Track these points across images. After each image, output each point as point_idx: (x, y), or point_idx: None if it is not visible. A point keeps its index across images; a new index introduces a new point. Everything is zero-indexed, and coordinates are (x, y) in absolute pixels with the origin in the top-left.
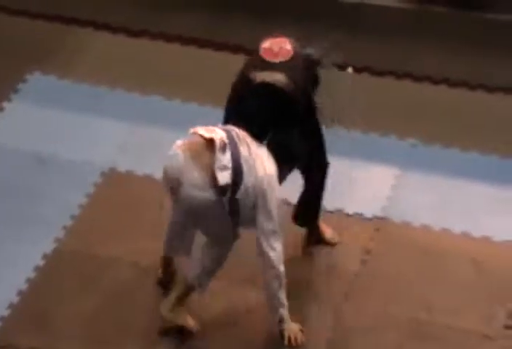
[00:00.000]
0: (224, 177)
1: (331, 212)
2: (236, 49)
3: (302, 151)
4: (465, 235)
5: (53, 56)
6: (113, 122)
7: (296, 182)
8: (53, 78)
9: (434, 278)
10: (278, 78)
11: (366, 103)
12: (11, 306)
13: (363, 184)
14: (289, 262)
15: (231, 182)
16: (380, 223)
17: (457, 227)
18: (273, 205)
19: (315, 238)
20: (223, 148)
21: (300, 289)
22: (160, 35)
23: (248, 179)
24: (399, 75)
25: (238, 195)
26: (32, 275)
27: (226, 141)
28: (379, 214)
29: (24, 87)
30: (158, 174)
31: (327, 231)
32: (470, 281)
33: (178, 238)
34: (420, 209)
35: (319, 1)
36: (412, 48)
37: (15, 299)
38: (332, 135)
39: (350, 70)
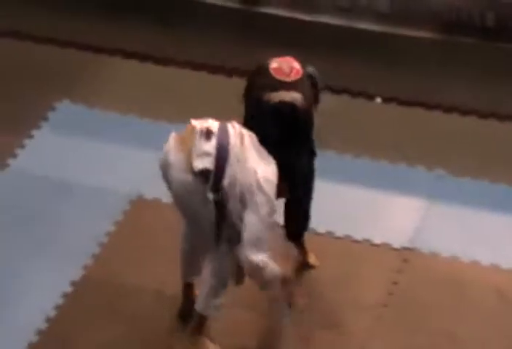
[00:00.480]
0: (200, 163)
1: (358, 242)
2: None
3: (304, 169)
4: (494, 267)
5: (82, 84)
6: (141, 150)
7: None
8: (82, 106)
9: (461, 310)
10: (295, 96)
11: (394, 133)
12: (39, 332)
13: (391, 214)
14: (312, 294)
15: (214, 168)
16: (407, 254)
17: (485, 259)
18: (263, 210)
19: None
20: (207, 135)
21: (326, 321)
22: (187, 63)
23: (234, 169)
24: (428, 106)
25: (224, 183)
26: (60, 301)
27: (214, 130)
28: (406, 244)
29: (53, 115)
30: None
31: (311, 254)
32: (496, 313)
33: (190, 258)
34: (448, 240)
35: (347, 31)
36: (442, 79)
37: (43, 325)
38: (359, 166)
39: (378, 100)
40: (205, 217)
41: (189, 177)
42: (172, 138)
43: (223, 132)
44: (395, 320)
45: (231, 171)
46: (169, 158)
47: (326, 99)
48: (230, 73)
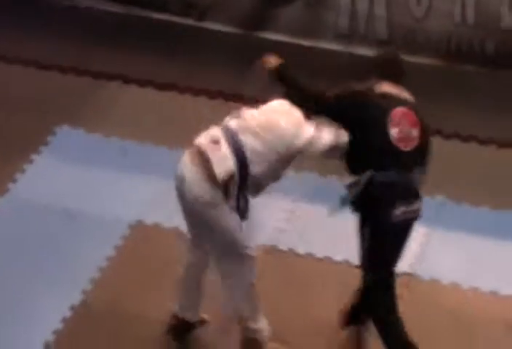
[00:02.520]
0: (223, 167)
1: (356, 267)
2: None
3: None
4: (494, 294)
5: (82, 109)
6: (142, 176)
7: None
8: (82, 131)
9: (461, 337)
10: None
11: None
12: None
13: None
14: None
15: (237, 169)
16: (408, 280)
17: (486, 286)
18: None
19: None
20: (215, 142)
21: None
22: (187, 89)
23: (256, 153)
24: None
25: (253, 172)
26: (59, 326)
27: (218, 134)
28: (407, 270)
29: (53, 140)
30: (185, 227)
31: None
32: (498, 340)
33: (190, 287)
34: (448, 266)
35: (347, 57)
36: (442, 105)
37: None
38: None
39: None
40: (223, 224)
41: (204, 187)
42: (187, 153)
43: (227, 131)
44: None
45: (255, 158)
46: (184, 172)
47: None
48: (228, 98)
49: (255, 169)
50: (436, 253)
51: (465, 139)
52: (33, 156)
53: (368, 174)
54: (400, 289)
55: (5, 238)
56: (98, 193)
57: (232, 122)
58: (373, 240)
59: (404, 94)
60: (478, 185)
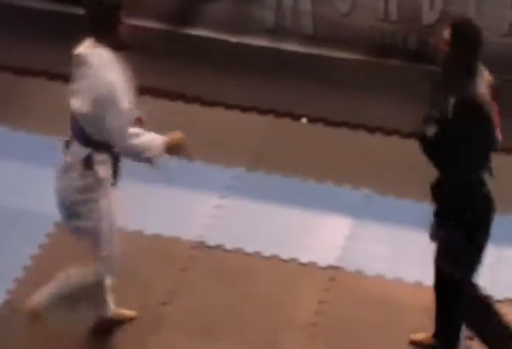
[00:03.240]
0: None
1: (285, 261)
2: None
3: None
4: (418, 284)
5: (5, 107)
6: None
7: None
8: (6, 128)
9: (387, 327)
10: None
11: (320, 153)
12: None
13: (317, 233)
14: (246, 313)
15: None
16: (334, 273)
17: (410, 277)
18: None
19: None
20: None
21: (261, 340)
22: None
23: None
24: (353, 126)
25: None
26: None
27: None
28: (333, 263)
29: None
30: None
31: None
32: (422, 329)
33: None
34: (374, 258)
35: (273, 53)
36: (367, 99)
37: None
38: (287, 185)
39: (304, 120)
40: None
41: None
42: None
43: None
44: (327, 339)
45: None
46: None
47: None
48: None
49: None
50: (362, 245)
51: (389, 132)
52: None
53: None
54: (326, 282)
55: None
56: (20, 190)
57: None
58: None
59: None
60: (403, 178)
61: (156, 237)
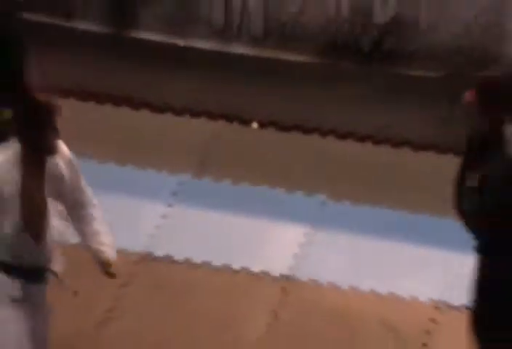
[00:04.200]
0: None
1: (237, 271)
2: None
3: None
4: (373, 293)
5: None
6: None
7: None
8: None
9: (343, 340)
10: None
11: (273, 158)
12: None
13: (270, 242)
14: (193, 332)
15: None
16: (286, 282)
17: (365, 285)
18: None
19: None
20: None
21: None
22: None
23: None
24: (306, 130)
25: None
26: None
27: None
28: (286, 272)
29: None
30: None
31: None
32: (377, 339)
33: None
34: (328, 266)
35: (222, 55)
36: (319, 102)
37: None
38: (238, 192)
39: (255, 125)
40: None
41: None
42: None
43: None
44: None
45: None
46: None
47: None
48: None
49: None
50: (316, 253)
51: (343, 135)
52: None
53: None
54: (278, 292)
55: None
56: None
57: None
58: None
59: None
60: (358, 183)
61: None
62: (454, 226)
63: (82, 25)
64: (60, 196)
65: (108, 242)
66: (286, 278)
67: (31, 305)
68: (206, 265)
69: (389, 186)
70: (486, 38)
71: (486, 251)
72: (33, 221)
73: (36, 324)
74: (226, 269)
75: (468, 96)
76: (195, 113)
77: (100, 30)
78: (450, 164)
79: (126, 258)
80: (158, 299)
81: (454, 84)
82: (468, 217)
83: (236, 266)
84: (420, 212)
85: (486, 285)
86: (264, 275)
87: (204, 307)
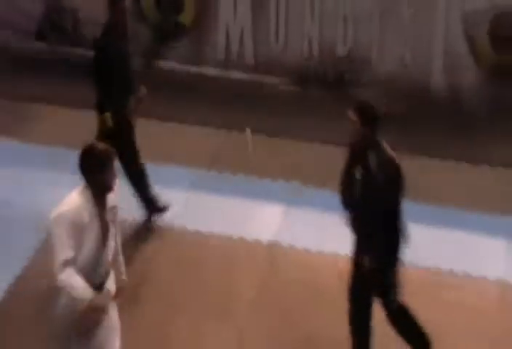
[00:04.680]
0: None
1: (235, 240)
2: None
3: None
4: (335, 255)
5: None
6: (61, 172)
7: None
8: (15, 142)
9: (310, 296)
10: None
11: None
12: None
13: (257, 217)
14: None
15: None
16: (273, 248)
17: (328, 248)
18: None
19: None
20: None
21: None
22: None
23: None
24: (283, 137)
25: None
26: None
27: None
28: (271, 239)
29: None
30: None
31: None
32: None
33: None
34: (303, 236)
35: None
36: (294, 118)
37: None
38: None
39: (248, 132)
40: None
41: None
42: None
43: None
44: (269, 309)
45: None
46: None
47: None
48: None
49: None
50: (293, 226)
51: (310, 140)
52: None
53: None
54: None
55: None
56: (31, 187)
57: None
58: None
59: None
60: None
61: None
62: None
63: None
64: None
65: (122, 271)
66: (271, 244)
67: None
68: (211, 236)
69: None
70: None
71: (353, 225)
72: (103, 243)
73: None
74: (227, 238)
75: (350, 113)
76: (204, 125)
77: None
78: None
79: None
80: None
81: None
82: (345, 198)
83: (234, 236)
84: None
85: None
86: (254, 243)
87: (204, 270)
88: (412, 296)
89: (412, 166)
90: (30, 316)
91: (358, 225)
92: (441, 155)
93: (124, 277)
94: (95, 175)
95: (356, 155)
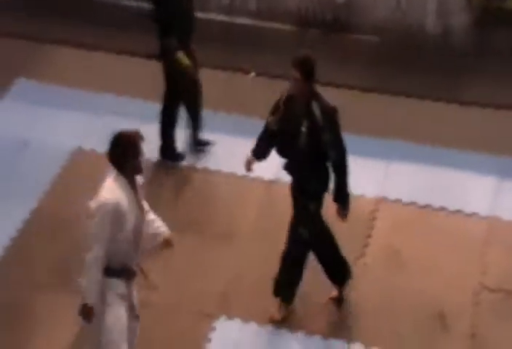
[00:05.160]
0: None
1: (240, 177)
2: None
3: None
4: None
5: (34, 66)
6: (77, 112)
7: None
8: (34, 82)
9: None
10: None
11: (263, 97)
12: (4, 249)
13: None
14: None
15: None
16: (273, 184)
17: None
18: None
19: None
20: None
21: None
22: (112, 50)
23: None
24: (285, 78)
25: None
26: (20, 226)
27: None
28: (273, 178)
29: (12, 88)
30: None
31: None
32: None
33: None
34: None
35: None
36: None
37: (8, 242)
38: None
39: (253, 74)
40: None
41: None
42: None
43: None
44: (267, 233)
45: None
46: None
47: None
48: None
49: None
50: None
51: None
52: None
53: None
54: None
55: None
56: (47, 127)
57: None
58: None
59: None
60: None
61: None
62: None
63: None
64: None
65: (162, 225)
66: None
67: (130, 305)
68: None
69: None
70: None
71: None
72: (140, 227)
73: (131, 322)
74: (231, 175)
75: (293, 70)
76: (213, 67)
77: None
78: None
79: None
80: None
81: (390, 47)
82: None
83: (239, 173)
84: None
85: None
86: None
87: (215, 200)
88: (402, 230)
89: (406, 107)
90: (46, 245)
91: (297, 167)
92: (431, 97)
93: (166, 231)
94: (130, 160)
95: (298, 108)
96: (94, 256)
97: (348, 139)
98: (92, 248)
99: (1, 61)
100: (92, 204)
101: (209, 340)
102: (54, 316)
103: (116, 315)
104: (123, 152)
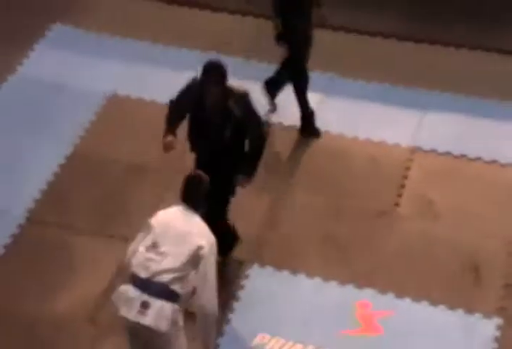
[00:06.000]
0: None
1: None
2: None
3: None
4: (368, 140)
5: (70, 12)
6: (113, 59)
7: None
8: (72, 27)
9: (341, 175)
10: None
11: None
12: (41, 191)
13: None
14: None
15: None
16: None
17: (362, 134)
18: None
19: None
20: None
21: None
22: None
23: None
24: (335, 28)
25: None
26: (57, 169)
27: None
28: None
29: (49, 34)
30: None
31: None
32: (366, 172)
33: None
34: (336, 119)
35: None
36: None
37: (45, 186)
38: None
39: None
40: None
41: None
42: None
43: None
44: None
45: None
46: None
47: None
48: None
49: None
50: (328, 112)
51: (335, 29)
52: (35, 46)
53: None
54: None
55: (11, 108)
56: (82, 72)
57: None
58: None
59: None
60: (356, 65)
61: None
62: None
63: None
64: None
65: None
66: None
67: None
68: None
69: (378, 66)
70: None
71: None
72: None
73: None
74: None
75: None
76: (244, 13)
77: None
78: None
79: None
80: None
81: None
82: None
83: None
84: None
85: None
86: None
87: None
88: (436, 180)
89: (443, 57)
90: (82, 188)
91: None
92: (469, 45)
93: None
94: (204, 201)
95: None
96: (216, 314)
97: (384, 88)
98: (215, 302)
99: (37, 7)
100: (201, 241)
101: (242, 287)
102: (91, 259)
103: (184, 336)
104: (197, 194)
